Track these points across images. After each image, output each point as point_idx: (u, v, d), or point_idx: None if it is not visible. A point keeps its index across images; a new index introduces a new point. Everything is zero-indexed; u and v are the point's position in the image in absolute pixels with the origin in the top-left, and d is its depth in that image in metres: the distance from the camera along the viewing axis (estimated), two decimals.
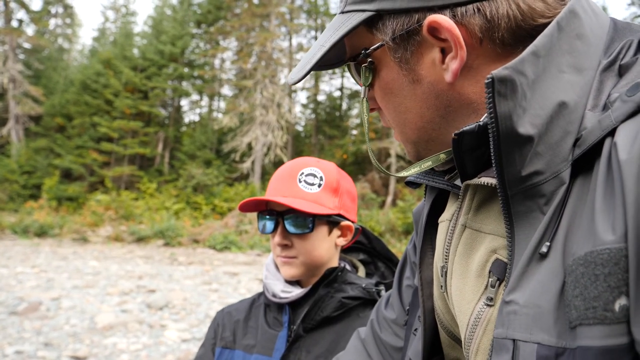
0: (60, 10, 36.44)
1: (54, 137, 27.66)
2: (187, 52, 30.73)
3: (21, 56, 30.54)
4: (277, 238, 1.27)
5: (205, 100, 33.74)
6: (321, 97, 32.40)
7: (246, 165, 25.65)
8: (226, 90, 32.48)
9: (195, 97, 33.19)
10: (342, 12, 0.67)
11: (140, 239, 21.15)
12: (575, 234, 0.50)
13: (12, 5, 29.69)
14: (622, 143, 0.47)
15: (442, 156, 0.69)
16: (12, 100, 27.32)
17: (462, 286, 0.65)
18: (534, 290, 0.51)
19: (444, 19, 0.58)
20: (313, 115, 32.04)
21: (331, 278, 1.28)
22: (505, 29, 0.58)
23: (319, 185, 1.28)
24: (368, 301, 1.30)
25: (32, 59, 30.88)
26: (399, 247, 19.03)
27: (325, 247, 1.31)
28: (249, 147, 26.28)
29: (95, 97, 27.97)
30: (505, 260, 0.59)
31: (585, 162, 0.53)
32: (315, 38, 31.97)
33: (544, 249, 0.52)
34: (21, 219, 22.08)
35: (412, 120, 0.68)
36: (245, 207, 1.31)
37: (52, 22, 36.25)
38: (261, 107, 26.28)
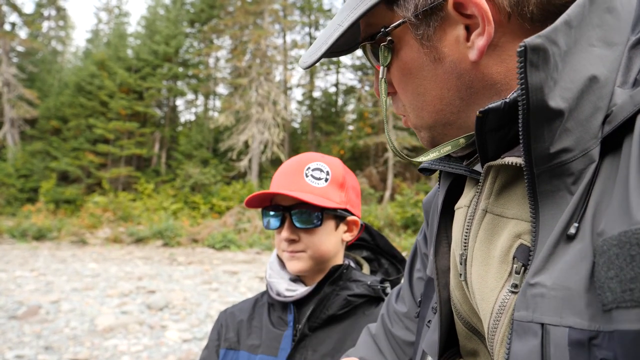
0: (53, 12, 36.26)
1: (50, 139, 27.57)
2: (181, 51, 30.64)
3: (15, 59, 30.40)
4: (284, 233, 1.26)
5: (200, 100, 33.70)
6: (316, 94, 32.38)
7: (243, 163, 25.63)
8: (221, 89, 32.44)
9: (190, 96, 33.13)
10: None
11: (139, 240, 21.12)
12: (605, 213, 0.48)
13: (5, 8, 29.51)
14: None
15: (462, 141, 0.66)
16: (7, 104, 27.19)
17: (484, 274, 0.62)
18: (563, 272, 0.49)
19: None
20: (309, 112, 32.00)
21: (336, 276, 1.26)
22: (535, 4, 0.56)
23: (326, 180, 1.28)
24: (373, 299, 1.28)
25: (26, 62, 30.76)
26: (398, 242, 19.04)
27: (333, 242, 1.31)
28: (246, 145, 26.25)
29: (90, 99, 27.87)
30: (530, 245, 0.56)
31: (615, 139, 0.51)
32: (310, 35, 31.93)
33: (572, 230, 0.50)
34: (19, 223, 22.01)
35: (431, 103, 0.65)
36: (251, 203, 1.29)
37: (45, 24, 36.08)
38: (257, 104, 26.23)
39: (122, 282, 11.27)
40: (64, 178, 26.70)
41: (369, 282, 1.27)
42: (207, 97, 32.99)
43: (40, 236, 21.37)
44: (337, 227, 1.32)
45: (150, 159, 29.24)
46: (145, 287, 10.65)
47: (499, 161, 0.60)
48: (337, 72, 31.89)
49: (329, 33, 0.67)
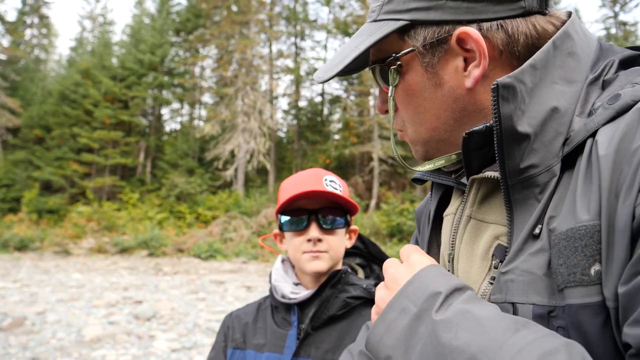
0: (36, 20, 35.98)
1: (33, 149, 27.25)
2: (167, 60, 30.59)
3: None
4: (313, 233, 1.36)
5: (186, 109, 33.60)
6: (302, 103, 32.52)
7: (229, 172, 25.59)
8: (207, 98, 32.42)
9: (176, 105, 33.02)
10: (375, 21, 0.76)
11: (124, 250, 20.91)
12: (559, 216, 0.61)
13: None
14: (602, 141, 0.59)
15: (454, 156, 0.79)
16: None
17: (469, 269, 0.75)
18: (528, 261, 0.62)
19: (473, 31, 0.68)
20: (295, 121, 32.11)
21: (336, 279, 1.39)
22: (523, 45, 0.69)
23: (340, 190, 1.43)
24: (369, 300, 1.40)
25: (8, 70, 30.41)
26: (384, 249, 19.06)
27: (343, 246, 1.46)
28: (232, 154, 26.23)
29: (74, 108, 27.64)
30: (506, 244, 0.69)
31: (571, 158, 0.64)
32: (295, 45, 32.12)
33: (537, 231, 0.63)
34: (1, 233, 21.67)
35: (429, 120, 0.76)
36: (284, 207, 1.40)
37: (28, 32, 35.76)
38: (243, 114, 26.27)
39: (108, 293, 11.18)
40: (47, 188, 26.37)
41: (365, 286, 1.41)
42: (192, 106, 32.93)
43: (22, 246, 21.05)
44: (345, 232, 1.48)
45: (135, 169, 29.03)
46: (132, 297, 10.59)
47: (481, 175, 0.73)
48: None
49: (345, 53, 0.77)
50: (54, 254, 20.51)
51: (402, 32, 0.74)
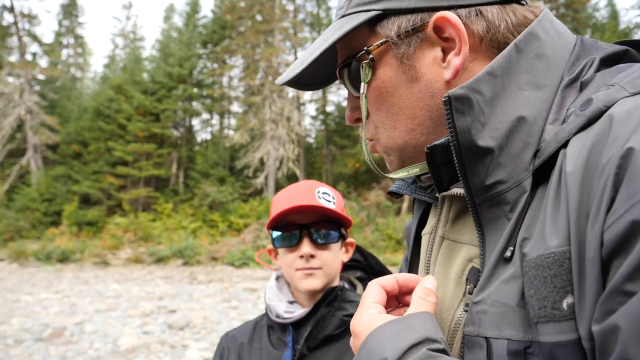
0: (72, 40, 37.36)
1: (71, 164, 28.20)
2: (195, 72, 31.18)
3: (36, 87, 31.32)
4: (305, 248, 1.30)
5: (216, 119, 34.16)
6: (330, 108, 32.56)
7: (259, 180, 25.83)
8: (236, 107, 32.87)
9: (205, 116, 33.62)
10: (344, 16, 0.70)
11: (160, 260, 21.35)
12: (531, 238, 0.55)
13: (26, 39, 30.56)
14: (570, 154, 0.53)
15: None
16: (29, 130, 28.00)
17: (443, 295, 0.68)
18: (500, 290, 0.56)
19: (452, 16, 0.62)
20: (323, 127, 32.18)
21: (332, 297, 1.32)
22: (503, 33, 0.64)
23: (334, 203, 1.37)
24: None
25: (47, 90, 31.66)
26: None
27: (339, 261, 1.40)
28: (261, 162, 26.48)
29: (108, 123, 28.50)
30: (480, 268, 0.62)
31: (545, 171, 0.58)
32: None
33: (508, 253, 0.57)
34: (44, 246, 22.50)
35: (404, 122, 0.69)
36: (271, 222, 1.36)
37: (64, 52, 37.15)
38: (271, 121, 26.51)
39: (143, 302, 11.45)
40: (86, 201, 27.24)
41: None
42: (222, 116, 33.44)
43: (64, 258, 21.80)
44: (341, 246, 1.42)
45: (168, 179, 29.68)
46: (166, 306, 10.82)
47: (449, 192, 0.68)
48: None
49: (311, 51, 0.71)
50: (93, 265, 21.16)
51: (374, 24, 0.68)
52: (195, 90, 30.91)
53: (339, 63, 0.75)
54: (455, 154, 0.59)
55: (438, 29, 0.64)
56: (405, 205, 24.30)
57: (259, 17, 28.73)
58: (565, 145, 0.55)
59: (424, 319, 0.59)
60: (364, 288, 1.50)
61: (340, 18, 0.71)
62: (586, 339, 0.48)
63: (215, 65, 31.89)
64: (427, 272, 0.74)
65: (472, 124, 0.58)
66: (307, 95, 30.82)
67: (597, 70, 0.62)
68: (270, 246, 1.45)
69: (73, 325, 8.96)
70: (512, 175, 0.59)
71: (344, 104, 32.45)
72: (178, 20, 35.91)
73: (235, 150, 28.37)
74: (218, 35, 31.19)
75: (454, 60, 0.63)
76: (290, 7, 30.09)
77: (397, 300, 0.71)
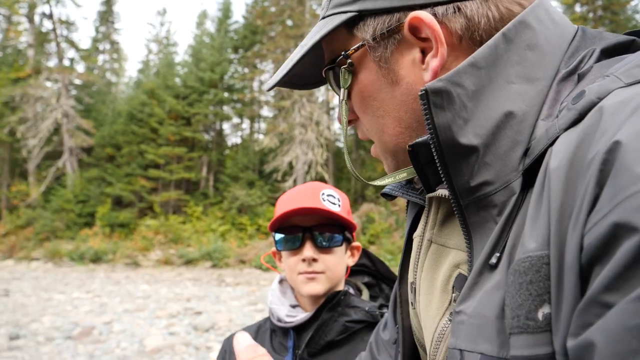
0: (107, 46, 38.37)
1: (105, 166, 28.89)
2: (226, 77, 31.56)
3: (73, 92, 32.27)
4: (307, 252, 1.28)
5: (246, 123, 34.45)
6: None
7: (288, 184, 25.88)
8: (266, 112, 33.09)
9: (236, 120, 33.95)
10: (324, 17, 0.68)
11: (189, 262, 21.62)
12: (518, 245, 0.49)
13: (63, 45, 31.55)
14: (556, 150, 0.47)
15: None
16: (66, 134, 28.84)
17: (429, 302, 0.65)
18: (481, 300, 0.51)
19: (425, 15, 0.58)
20: (352, 131, 31.98)
21: (334, 302, 1.28)
22: (484, 30, 0.59)
23: (339, 206, 1.33)
24: (372, 324, 1.29)
25: (83, 94, 32.57)
26: None
27: (343, 265, 1.35)
28: (290, 166, 26.55)
29: (141, 126, 29.09)
30: (467, 274, 0.57)
31: (536, 171, 0.51)
32: None
33: (493, 260, 0.52)
34: (77, 246, 23.10)
35: (391, 126, 0.67)
36: (273, 225, 1.34)
37: (101, 58, 38.17)
38: (300, 126, 26.56)
39: (171, 303, 11.55)
40: (118, 202, 27.83)
41: (367, 308, 1.29)
42: (252, 120, 33.72)
43: (96, 259, 22.31)
44: (346, 250, 1.37)
45: (198, 183, 30.07)
46: (193, 308, 10.87)
47: (435, 193, 0.63)
48: None
49: (296, 52, 0.70)
50: (124, 266, 21.57)
51: (351, 26, 0.65)
52: (226, 94, 31.27)
53: (324, 65, 0.73)
54: (436, 153, 0.55)
55: (414, 29, 0.60)
56: None
57: (289, 22, 28.89)
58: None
59: None
60: (371, 293, 1.46)
61: (322, 19, 0.69)
62: (560, 354, 0.42)
63: (246, 70, 32.21)
64: (415, 277, 0.70)
65: (452, 120, 0.53)
66: (336, 99, 30.81)
67: (597, 61, 0.56)
68: (274, 249, 1.43)
69: (102, 324, 9.08)
70: (499, 175, 0.54)
71: None
72: (210, 26, 36.40)
73: (264, 154, 28.54)
74: (249, 40, 31.51)
75: (432, 62, 0.60)
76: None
77: None
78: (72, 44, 32.39)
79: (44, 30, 31.21)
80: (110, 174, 28.26)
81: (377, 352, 1.02)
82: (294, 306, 1.36)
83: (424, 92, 0.53)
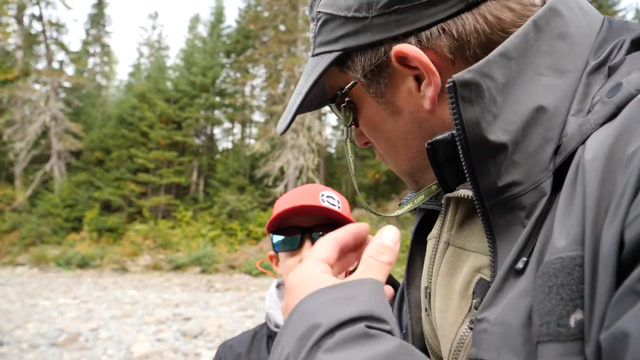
0: (98, 49, 38.07)
1: (94, 170, 28.57)
2: (218, 81, 31.44)
3: (62, 95, 31.94)
4: (306, 253, 1.24)
5: (237, 128, 34.31)
6: None
7: (279, 189, 25.76)
8: (257, 117, 32.97)
9: (227, 125, 33.80)
10: (313, 55, 0.66)
11: (178, 267, 21.40)
12: (547, 248, 0.46)
13: (53, 47, 31.24)
14: (591, 144, 0.45)
15: (434, 187, 0.67)
16: (54, 137, 28.48)
17: (446, 308, 0.60)
18: (506, 307, 0.47)
19: (408, 48, 0.55)
20: (344, 137, 32.03)
21: None
22: (477, 45, 0.55)
23: (338, 207, 1.29)
24: None
25: (72, 97, 32.22)
26: None
27: None
28: (281, 171, 26.44)
29: (131, 130, 28.85)
30: (489, 280, 0.53)
31: (567, 171, 0.48)
32: None
33: (520, 265, 0.48)
34: (64, 251, 22.75)
35: (402, 152, 0.66)
36: (271, 226, 1.29)
37: (91, 61, 37.85)
38: (291, 131, 26.47)
39: (159, 309, 11.35)
40: (107, 207, 27.51)
41: None
42: (243, 125, 33.59)
43: (83, 264, 21.98)
44: None
45: (188, 187, 29.83)
46: (182, 314, 10.69)
47: (454, 193, 0.60)
48: None
49: (293, 101, 0.68)
50: (112, 271, 21.27)
51: (341, 64, 0.63)
52: (218, 99, 31.14)
53: (327, 95, 0.72)
54: (462, 150, 0.51)
55: (402, 60, 0.57)
56: None
57: (282, 27, 28.88)
58: None
59: (369, 289, 0.48)
60: None
61: (312, 56, 0.68)
62: None
63: (238, 75, 32.11)
64: (430, 281, 0.67)
65: (481, 115, 0.50)
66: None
67: (628, 53, 0.53)
68: (271, 252, 1.38)
69: (88, 331, 8.87)
70: (529, 175, 0.51)
71: None
72: (202, 30, 36.28)
73: (255, 159, 28.42)
74: (241, 45, 31.43)
75: (427, 91, 0.58)
76: None
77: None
78: (62, 46, 32.09)
79: (33, 32, 30.87)
80: (99, 178, 27.94)
81: None
82: None
83: (451, 84, 0.49)
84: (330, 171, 30.21)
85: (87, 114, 32.49)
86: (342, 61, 0.62)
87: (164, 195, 28.13)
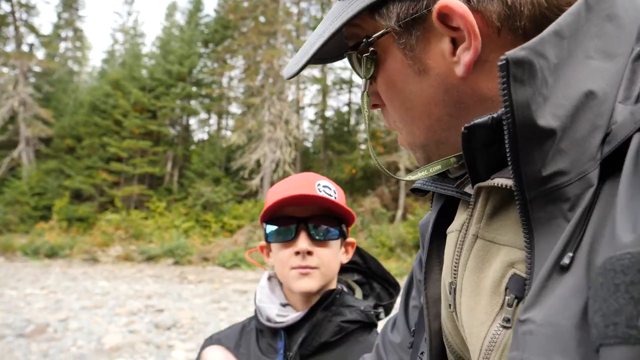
0: (70, 33, 37.03)
1: (64, 158, 27.88)
2: (195, 71, 31.01)
3: (32, 79, 30.99)
4: (302, 244, 1.18)
5: (213, 119, 33.95)
6: (329, 113, 32.47)
7: (255, 182, 25.63)
8: (234, 108, 32.68)
9: (203, 115, 33.40)
10: None
11: (150, 258, 21.10)
12: (601, 242, 0.43)
13: (23, 30, 30.22)
14: None
15: (453, 160, 0.62)
16: (22, 123, 27.62)
17: (474, 305, 0.56)
18: (554, 306, 0.44)
19: (457, 4, 0.52)
20: (321, 131, 32.06)
21: (329, 301, 1.20)
22: (528, 18, 0.52)
23: (335, 197, 1.24)
24: (367, 325, 1.22)
25: (43, 82, 31.28)
26: (409, 262, 18.79)
27: (337, 262, 1.27)
28: (258, 164, 26.30)
29: (104, 118, 28.23)
30: (525, 275, 0.50)
31: (616, 161, 0.46)
32: None
33: (565, 261, 0.45)
34: (32, 241, 22.14)
35: (420, 118, 0.61)
36: (265, 215, 1.24)
37: (62, 45, 36.80)
38: (269, 124, 26.34)
39: (131, 301, 11.18)
40: (77, 196, 26.90)
41: (362, 308, 1.22)
42: (220, 116, 33.24)
43: (52, 254, 21.43)
44: (341, 246, 1.29)
45: (162, 178, 29.40)
46: (154, 305, 10.55)
47: (488, 182, 0.54)
48: (350, 92, 32.00)
49: (310, 43, 0.64)
50: (82, 262, 20.82)
51: (373, 10, 0.58)
52: (194, 89, 30.72)
53: (346, 47, 0.67)
54: (509, 135, 0.47)
55: (444, 17, 0.54)
56: (399, 212, 24.16)
57: (262, 19, 28.61)
58: None
59: None
60: (362, 292, 1.38)
61: (340, 0, 0.63)
62: None
63: (216, 65, 31.71)
64: (455, 277, 0.61)
65: (532, 97, 0.46)
66: (306, 99, 30.77)
67: None
68: (262, 242, 1.32)
69: (57, 321, 8.67)
70: (575, 164, 0.47)
71: (344, 109, 32.39)
72: (180, 18, 35.59)
73: (231, 151, 28.19)
74: (220, 35, 31.02)
75: (464, 56, 0.54)
76: (294, 10, 29.99)
77: None
78: (32, 28, 31.05)
79: (1, 12, 29.79)
80: (70, 166, 27.27)
81: (385, 354, 0.95)
82: (284, 305, 1.26)
83: (504, 61, 0.46)
84: (307, 165, 30.18)
85: (57, 100, 31.62)
86: (376, 7, 0.58)
87: (137, 185, 27.65)
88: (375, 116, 29.44)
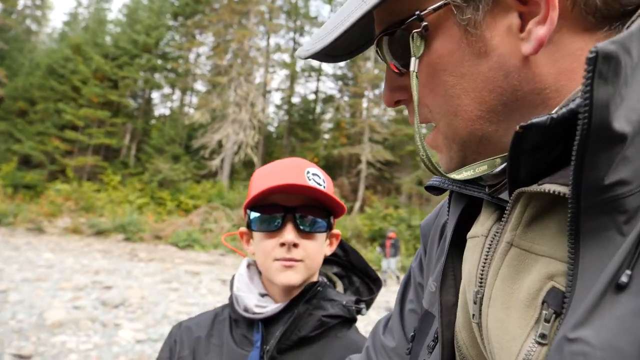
0: None
1: (15, 121, 26.57)
2: (162, 43, 30.11)
3: None
4: (288, 235, 1.13)
5: (177, 94, 33.15)
6: (296, 99, 32.30)
7: (215, 162, 25.24)
8: (199, 86, 32.00)
9: (167, 90, 32.55)
10: None
11: (100, 233, 20.48)
12: None
13: None
14: None
15: (498, 160, 0.55)
16: None
17: (505, 318, 0.52)
18: (612, 328, 0.41)
19: None
20: (286, 117, 31.87)
21: (311, 294, 1.15)
22: (604, 1, 0.48)
23: (324, 187, 1.19)
24: (347, 320, 1.18)
25: None
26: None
27: (322, 254, 1.22)
28: (219, 144, 25.89)
29: (61, 83, 27.02)
30: (564, 289, 0.47)
31: None
32: (294, 40, 31.79)
33: (624, 279, 0.41)
34: None
35: (467, 108, 0.54)
36: (250, 202, 1.17)
37: (21, 2, 34.90)
38: (234, 104, 25.93)
39: (77, 275, 10.80)
40: (26, 162, 25.74)
41: (344, 302, 1.17)
42: (184, 92, 32.48)
43: None
44: (326, 238, 1.24)
45: (119, 150, 28.50)
46: (102, 282, 10.23)
47: (534, 188, 0.50)
48: (318, 80, 31.88)
49: (348, 11, 0.54)
50: (26, 231, 19.98)
51: None
52: (160, 62, 29.85)
53: (377, 29, 0.60)
54: (580, 136, 0.42)
55: None
56: (357, 204, 24.40)
57: None
58: None
59: None
60: (343, 286, 1.34)
61: None
62: None
63: (184, 40, 30.87)
64: (481, 285, 0.56)
65: (612, 97, 0.41)
66: (274, 83, 30.44)
67: None
68: (243, 228, 1.25)
69: None
70: (638, 174, 0.44)
71: (311, 97, 32.27)
72: None
73: (193, 129, 27.63)
74: (191, 9, 30.17)
75: (537, 30, 0.49)
76: None
77: None
78: None
79: None
80: (20, 130, 26.02)
81: (376, 357, 0.91)
82: (262, 295, 1.20)
83: (594, 54, 0.40)
84: (269, 150, 29.97)
85: (12, 59, 30.00)
86: None
87: (92, 156, 26.71)
88: (342, 107, 29.50)
